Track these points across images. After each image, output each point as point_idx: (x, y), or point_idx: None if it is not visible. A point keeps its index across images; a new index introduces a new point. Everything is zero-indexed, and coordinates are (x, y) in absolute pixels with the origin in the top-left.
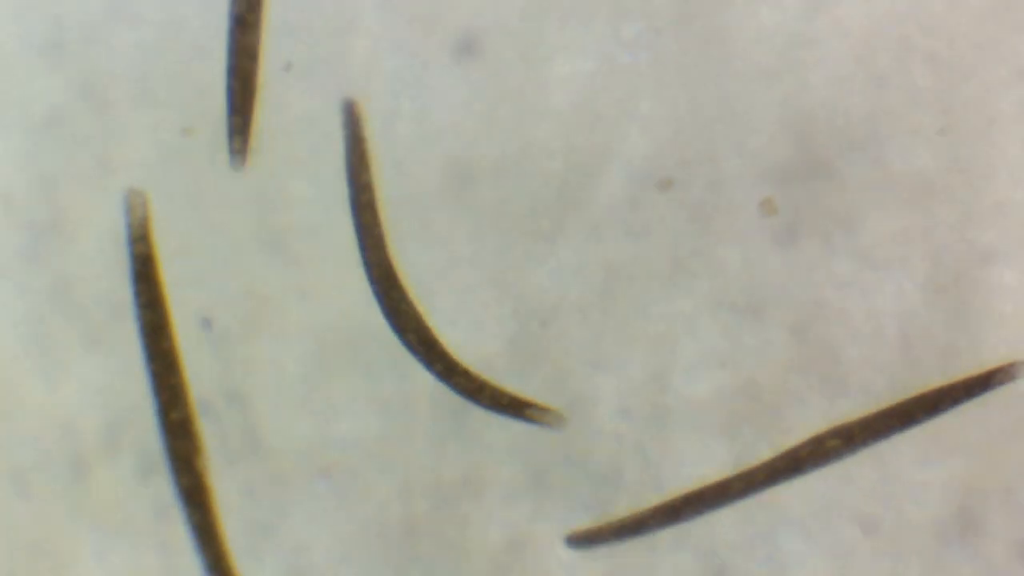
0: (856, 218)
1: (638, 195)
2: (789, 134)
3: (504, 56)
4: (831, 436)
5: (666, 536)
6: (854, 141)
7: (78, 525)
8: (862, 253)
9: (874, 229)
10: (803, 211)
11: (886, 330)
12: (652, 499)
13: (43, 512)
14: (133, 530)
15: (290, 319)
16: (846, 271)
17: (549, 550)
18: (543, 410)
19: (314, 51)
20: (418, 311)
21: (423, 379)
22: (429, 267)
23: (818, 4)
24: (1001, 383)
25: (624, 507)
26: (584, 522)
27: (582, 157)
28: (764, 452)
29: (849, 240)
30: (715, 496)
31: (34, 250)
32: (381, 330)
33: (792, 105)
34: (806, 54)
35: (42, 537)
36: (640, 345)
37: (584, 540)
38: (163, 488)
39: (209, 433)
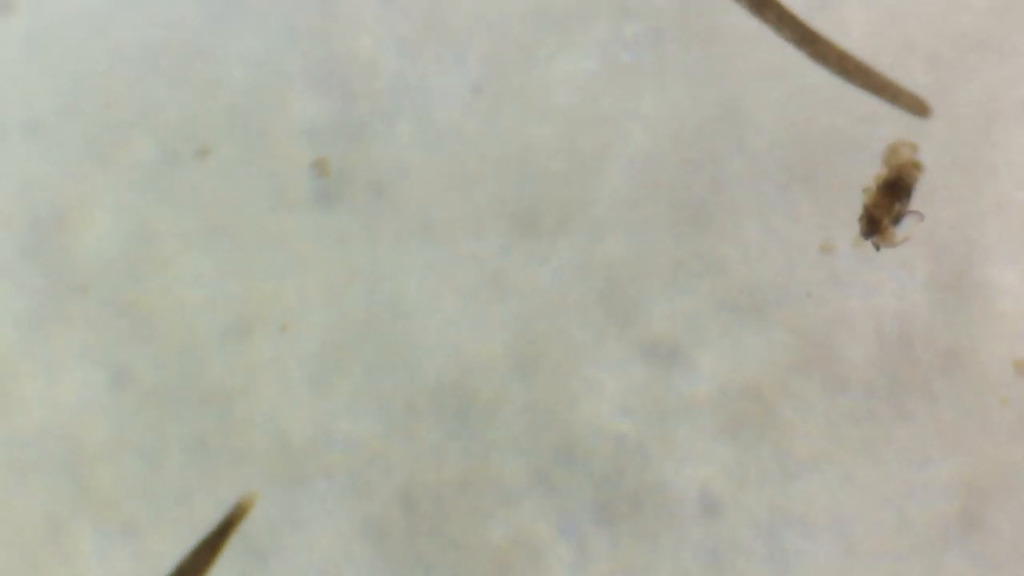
0: (857, 217)
1: (640, 194)
2: (791, 134)
3: (505, 55)
4: None
5: (667, 535)
6: (856, 141)
7: (79, 523)
8: (863, 253)
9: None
10: (802, 209)
11: (887, 330)
12: (653, 499)
13: (43, 510)
14: (135, 528)
15: (292, 318)
16: (847, 271)
17: (551, 549)
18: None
19: (316, 51)
20: None
21: (425, 378)
22: (430, 267)
23: (820, 3)
24: None
25: (625, 507)
26: (585, 521)
27: (584, 156)
28: (765, 452)
29: (849, 240)
30: None
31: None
32: (383, 329)
33: (794, 105)
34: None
35: (43, 535)
36: (641, 344)
37: None
38: (165, 486)
39: (211, 432)
